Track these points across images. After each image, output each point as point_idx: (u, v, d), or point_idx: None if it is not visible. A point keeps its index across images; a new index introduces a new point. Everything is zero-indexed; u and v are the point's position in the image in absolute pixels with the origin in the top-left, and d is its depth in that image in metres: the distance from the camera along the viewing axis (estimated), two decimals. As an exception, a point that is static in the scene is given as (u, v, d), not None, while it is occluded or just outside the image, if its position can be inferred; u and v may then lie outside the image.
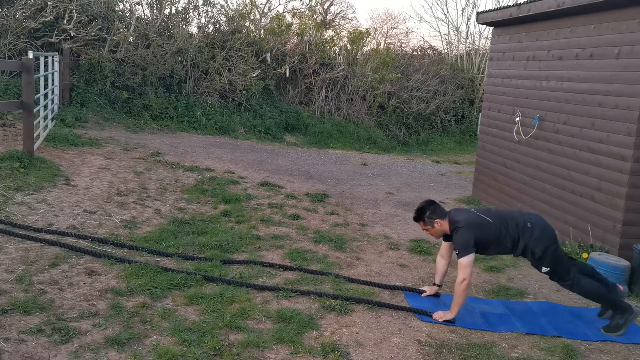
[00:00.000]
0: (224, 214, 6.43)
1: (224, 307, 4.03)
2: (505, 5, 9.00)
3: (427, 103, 16.68)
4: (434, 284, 4.69)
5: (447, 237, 4.49)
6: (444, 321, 4.17)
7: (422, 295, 4.65)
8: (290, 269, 4.95)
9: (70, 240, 4.88)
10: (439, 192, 9.37)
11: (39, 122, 8.14)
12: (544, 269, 4.27)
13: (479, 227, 4.21)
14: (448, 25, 28.70)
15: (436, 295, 4.65)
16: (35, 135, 7.34)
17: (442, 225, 4.34)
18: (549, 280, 5.29)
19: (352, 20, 27.32)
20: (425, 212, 4.37)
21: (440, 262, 4.63)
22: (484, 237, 4.21)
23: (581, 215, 6.18)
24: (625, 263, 5.18)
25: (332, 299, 4.31)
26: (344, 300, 4.32)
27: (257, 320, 3.90)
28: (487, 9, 8.88)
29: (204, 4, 14.27)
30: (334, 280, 4.75)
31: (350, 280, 4.79)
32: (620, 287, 4.60)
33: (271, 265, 4.96)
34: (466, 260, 4.11)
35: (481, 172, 8.70)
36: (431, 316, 4.23)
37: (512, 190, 7.66)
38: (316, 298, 4.34)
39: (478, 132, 9.53)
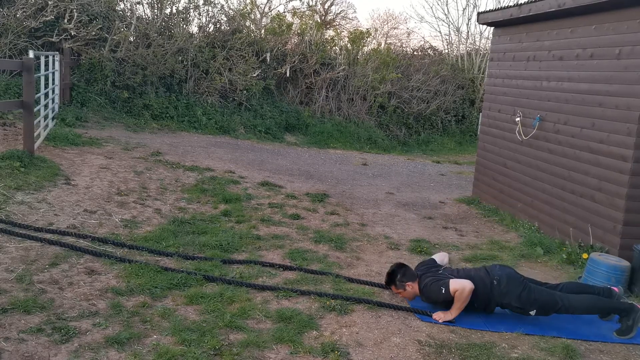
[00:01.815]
0: (224, 214, 6.43)
1: (224, 306, 4.03)
2: (506, 5, 9.01)
3: (427, 103, 16.67)
4: None
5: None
6: (443, 322, 4.17)
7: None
8: (290, 268, 4.95)
9: (70, 240, 4.88)
10: (439, 193, 9.37)
11: (39, 121, 8.14)
12: (532, 313, 4.29)
13: (446, 275, 4.36)
14: (449, 25, 28.72)
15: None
16: (35, 134, 7.34)
17: (413, 287, 4.42)
18: (549, 281, 5.31)
19: (352, 20, 27.36)
20: (396, 275, 4.45)
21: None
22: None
23: (581, 216, 6.18)
24: (625, 263, 5.17)
25: (332, 299, 4.31)
26: (344, 299, 4.32)
27: (257, 320, 3.91)
28: (487, 9, 8.88)
29: (204, 4, 14.27)
30: (334, 280, 4.75)
31: (350, 280, 4.79)
32: (615, 288, 4.57)
33: (271, 265, 4.96)
34: (457, 283, 4.20)
35: (481, 173, 8.69)
36: (431, 316, 4.24)
37: (512, 190, 7.66)
38: (316, 298, 4.34)
39: (478, 133, 9.53)
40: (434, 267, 4.58)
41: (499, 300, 4.29)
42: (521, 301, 4.24)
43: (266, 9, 16.51)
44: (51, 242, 4.71)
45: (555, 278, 5.39)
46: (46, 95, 8.86)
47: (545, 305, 4.27)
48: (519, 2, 7.42)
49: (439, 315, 4.23)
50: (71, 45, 11.74)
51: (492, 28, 8.76)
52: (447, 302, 4.26)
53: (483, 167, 8.63)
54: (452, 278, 4.28)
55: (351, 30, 18.04)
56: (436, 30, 47.90)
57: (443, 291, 4.21)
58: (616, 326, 4.31)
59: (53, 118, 9.76)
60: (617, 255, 5.42)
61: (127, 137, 10.29)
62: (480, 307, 4.35)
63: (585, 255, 5.53)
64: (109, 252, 4.76)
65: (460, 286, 4.18)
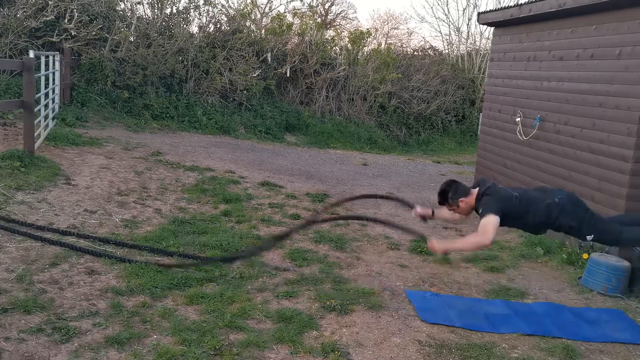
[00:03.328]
0: (225, 214, 6.43)
1: (224, 306, 4.03)
2: (506, 5, 9.01)
3: (427, 103, 16.67)
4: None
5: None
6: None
7: (412, 213, 4.58)
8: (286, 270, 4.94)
9: (70, 240, 4.88)
10: (440, 193, 9.36)
11: (39, 121, 8.14)
12: (588, 237, 4.15)
13: (505, 199, 4.06)
14: (449, 25, 28.65)
15: (424, 219, 4.55)
16: (35, 134, 7.34)
17: (467, 202, 4.20)
18: (549, 281, 5.32)
19: (353, 20, 27.33)
20: (448, 193, 4.24)
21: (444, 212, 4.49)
22: (510, 210, 4.05)
23: (582, 216, 6.17)
24: (625, 263, 5.17)
25: (332, 299, 4.31)
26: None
27: (257, 320, 3.91)
28: (488, 10, 8.88)
29: (204, 4, 14.27)
30: (334, 280, 4.75)
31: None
32: None
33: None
34: (488, 219, 3.90)
35: (482, 173, 8.69)
36: (426, 241, 4.22)
37: (513, 190, 7.65)
38: (316, 298, 4.34)
39: (479, 133, 9.53)
40: (495, 184, 4.33)
41: (561, 219, 4.06)
42: (582, 222, 4.08)
43: (267, 9, 16.53)
44: (51, 242, 4.71)
45: (555, 278, 5.40)
46: (46, 95, 8.86)
47: (606, 234, 4.16)
48: (519, 3, 7.42)
49: (433, 243, 4.15)
50: (71, 45, 11.74)
51: (493, 28, 8.76)
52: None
53: (483, 167, 8.63)
54: (496, 213, 3.95)
55: (351, 30, 18.04)
56: (436, 30, 47.95)
57: (480, 211, 4.04)
58: (627, 329, 4.31)
59: (53, 118, 9.76)
60: (618, 256, 5.42)
61: (127, 137, 10.29)
62: (531, 226, 4.17)
63: (585, 256, 5.53)
64: (109, 252, 4.76)
65: (488, 227, 3.89)
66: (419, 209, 4.57)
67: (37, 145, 7.42)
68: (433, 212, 4.55)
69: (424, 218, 4.56)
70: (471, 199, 4.20)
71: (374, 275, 5.07)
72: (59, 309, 3.70)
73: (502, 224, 4.03)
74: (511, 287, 5.06)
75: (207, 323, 3.75)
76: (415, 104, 16.51)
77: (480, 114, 10.09)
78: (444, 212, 4.46)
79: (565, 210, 4.07)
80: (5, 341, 3.24)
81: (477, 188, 4.24)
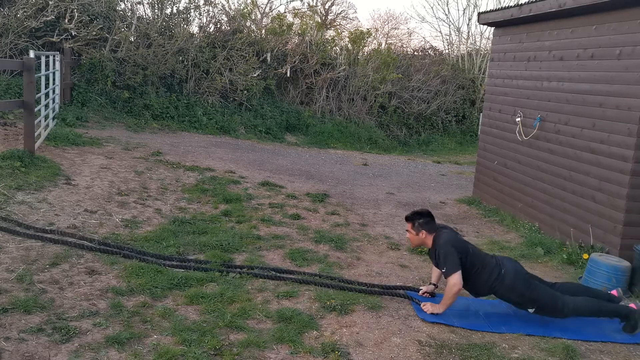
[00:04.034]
0: (225, 214, 6.43)
1: (225, 306, 4.03)
2: (507, 5, 9.01)
3: (428, 103, 16.67)
4: (431, 284, 4.75)
5: (433, 258, 4.50)
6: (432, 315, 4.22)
7: (419, 293, 4.70)
8: (289, 272, 4.94)
9: (71, 240, 4.88)
10: (440, 193, 9.37)
11: (39, 121, 8.14)
12: (530, 310, 4.30)
13: (462, 247, 4.29)
14: (449, 25, 28.65)
15: (432, 295, 4.67)
16: (36, 134, 7.35)
17: (425, 237, 4.41)
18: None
19: (353, 20, 27.36)
20: (419, 218, 4.43)
21: (435, 270, 4.68)
22: (466, 259, 4.25)
23: (582, 216, 6.18)
24: (626, 264, 5.17)
25: (332, 300, 4.31)
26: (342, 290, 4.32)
27: (257, 320, 3.91)
28: (488, 10, 8.88)
29: (205, 4, 14.27)
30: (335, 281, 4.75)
31: (350, 282, 4.77)
32: (614, 292, 4.53)
33: (270, 273, 4.96)
34: (453, 278, 4.15)
35: (482, 173, 8.69)
36: (419, 304, 4.32)
37: (513, 190, 7.65)
38: (317, 298, 4.34)
39: (479, 133, 9.53)
40: (456, 232, 4.58)
41: (500, 291, 4.27)
42: (523, 298, 4.24)
43: (267, 9, 16.53)
44: (52, 241, 4.71)
45: (555, 278, 5.39)
46: (47, 95, 8.86)
47: (546, 306, 4.27)
48: (520, 3, 7.41)
49: (427, 307, 4.28)
50: (72, 45, 11.74)
51: (493, 28, 8.76)
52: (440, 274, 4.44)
53: (484, 168, 8.63)
54: (458, 270, 4.17)
55: (352, 30, 18.04)
56: (437, 30, 47.83)
57: (444, 270, 4.20)
58: (620, 327, 4.32)
59: (54, 118, 9.76)
60: (618, 256, 5.42)
61: (127, 137, 10.29)
62: (474, 291, 4.38)
63: (585, 256, 5.53)
64: (109, 251, 4.76)
65: (456, 282, 4.13)
66: (424, 289, 4.71)
67: (37, 145, 7.42)
68: (434, 284, 4.72)
69: (431, 294, 4.69)
70: (429, 239, 4.40)
71: (374, 275, 5.07)
72: (59, 309, 3.70)
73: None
74: (511, 287, 5.06)
75: (208, 323, 3.75)
76: (415, 104, 16.51)
77: (481, 114, 10.10)
78: (435, 273, 4.68)
79: (507, 283, 4.24)
80: (6, 341, 3.24)
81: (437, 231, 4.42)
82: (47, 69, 9.03)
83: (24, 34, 11.35)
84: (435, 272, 4.67)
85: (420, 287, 4.77)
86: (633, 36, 5.59)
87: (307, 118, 14.79)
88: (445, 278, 4.21)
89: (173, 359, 3.27)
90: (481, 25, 15.86)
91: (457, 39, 20.12)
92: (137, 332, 3.53)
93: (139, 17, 13.17)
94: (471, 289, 4.38)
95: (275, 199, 7.45)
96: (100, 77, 11.86)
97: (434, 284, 4.71)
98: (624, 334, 4.24)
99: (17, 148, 7.04)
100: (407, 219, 4.50)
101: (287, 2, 21.50)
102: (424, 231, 4.40)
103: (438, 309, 4.24)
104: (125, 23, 12.81)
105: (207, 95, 13.59)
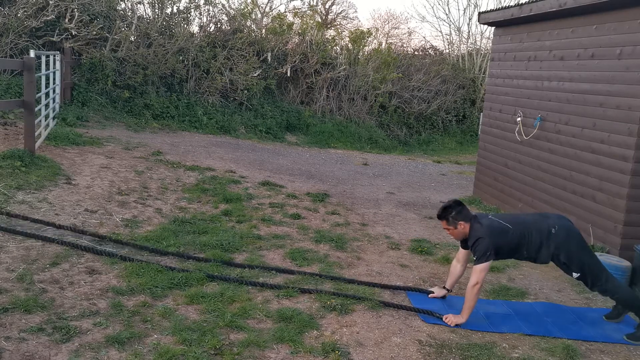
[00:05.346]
0: (225, 214, 6.43)
1: (225, 306, 4.03)
2: (507, 5, 9.00)
3: (428, 103, 16.68)
4: (444, 287, 4.63)
5: (464, 244, 4.41)
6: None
7: (429, 296, 4.61)
8: (289, 272, 4.93)
9: (70, 240, 4.88)
10: (440, 192, 9.37)
11: (40, 121, 8.14)
12: (574, 275, 4.24)
13: (500, 235, 4.15)
14: (449, 25, 28.73)
15: (443, 297, 4.61)
16: (36, 134, 7.35)
17: (464, 228, 4.25)
18: (550, 281, 5.32)
19: (353, 20, 27.32)
20: (451, 212, 4.26)
21: (456, 267, 4.54)
22: (505, 244, 4.16)
23: (582, 216, 6.18)
24: (626, 264, 5.17)
25: (333, 299, 4.31)
26: (344, 297, 4.31)
27: (257, 320, 3.91)
28: (488, 9, 8.88)
29: (205, 4, 14.28)
30: (335, 280, 4.75)
31: (351, 281, 4.78)
32: None
33: (270, 269, 4.95)
34: (482, 265, 4.08)
35: (482, 173, 8.69)
36: (440, 318, 4.19)
37: (513, 190, 7.65)
38: (317, 297, 4.34)
39: (479, 133, 9.53)
40: (491, 219, 4.40)
41: (553, 249, 4.15)
42: (571, 259, 4.16)
43: (267, 9, 16.52)
44: (52, 240, 4.71)
45: (556, 278, 5.39)
46: (47, 94, 8.86)
47: (591, 273, 4.19)
48: (520, 2, 7.41)
49: (450, 319, 4.14)
50: (72, 44, 11.75)
51: (493, 28, 8.76)
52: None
53: (484, 167, 8.63)
54: (486, 260, 4.09)
55: (352, 30, 18.05)
56: (437, 30, 47.85)
57: (475, 258, 4.13)
58: (626, 329, 4.30)
59: (54, 117, 9.76)
60: (618, 256, 5.42)
61: (128, 136, 10.29)
62: (533, 254, 4.22)
63: (586, 256, 5.52)
64: (110, 251, 4.76)
65: (479, 278, 4.06)
66: (436, 293, 4.63)
67: (37, 144, 7.42)
68: (447, 288, 4.64)
69: (443, 297, 4.62)
70: (468, 228, 4.25)
71: (374, 275, 5.07)
72: (59, 309, 3.70)
73: (496, 257, 4.21)
74: (511, 287, 5.06)
75: (208, 323, 3.76)
76: (415, 103, 16.51)
77: (481, 113, 10.10)
78: (453, 277, 4.58)
79: (559, 241, 4.15)
80: (6, 341, 3.24)
81: (474, 220, 4.30)
82: (47, 68, 9.04)
83: (25, 34, 11.35)
84: (453, 275, 4.56)
85: (431, 289, 4.68)
86: (633, 36, 5.59)
87: (307, 118, 14.79)
88: (474, 265, 4.13)
89: (173, 358, 3.27)
90: (482, 25, 15.86)
91: (458, 39, 20.14)
92: (137, 332, 3.53)
93: (139, 17, 13.17)
94: (528, 256, 4.23)
95: (275, 198, 7.45)
96: (101, 77, 11.86)
97: (448, 289, 4.60)
98: (628, 340, 4.17)
99: (18, 148, 7.04)
100: (440, 217, 4.34)
101: (288, 2, 21.52)
102: (461, 222, 4.23)
103: (461, 318, 4.13)
104: (125, 22, 12.81)
105: (208, 95, 13.59)
